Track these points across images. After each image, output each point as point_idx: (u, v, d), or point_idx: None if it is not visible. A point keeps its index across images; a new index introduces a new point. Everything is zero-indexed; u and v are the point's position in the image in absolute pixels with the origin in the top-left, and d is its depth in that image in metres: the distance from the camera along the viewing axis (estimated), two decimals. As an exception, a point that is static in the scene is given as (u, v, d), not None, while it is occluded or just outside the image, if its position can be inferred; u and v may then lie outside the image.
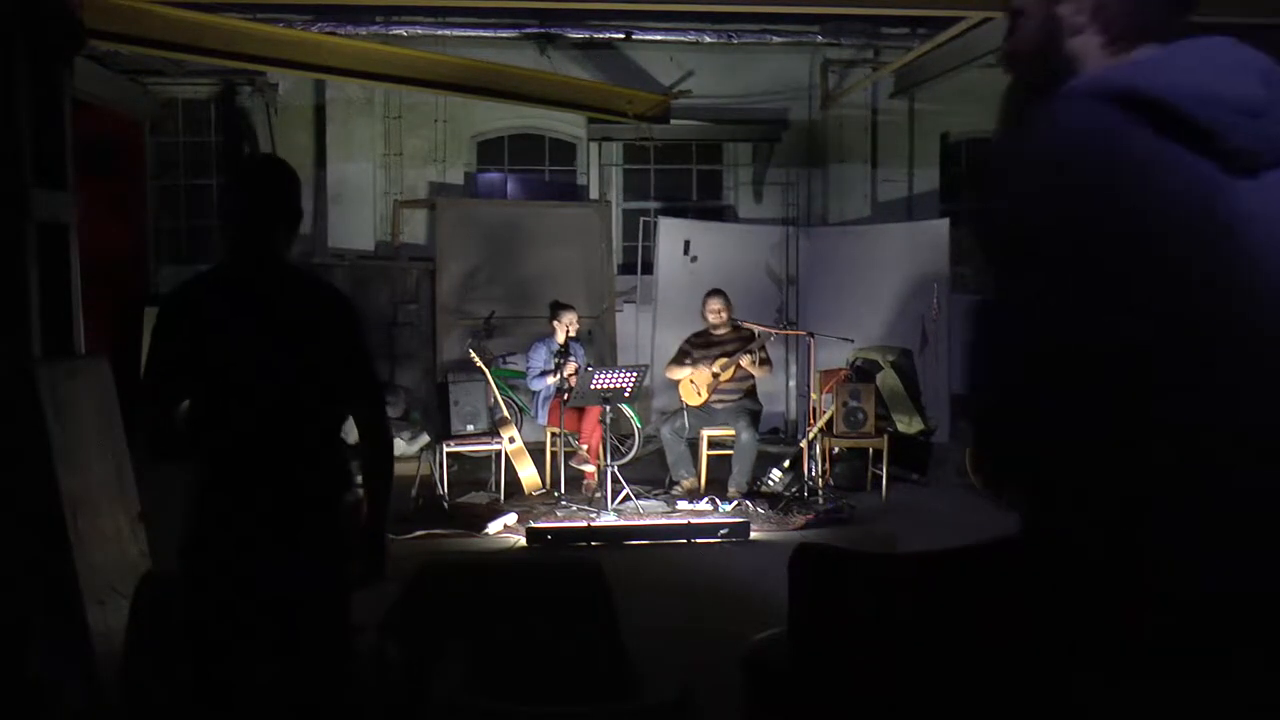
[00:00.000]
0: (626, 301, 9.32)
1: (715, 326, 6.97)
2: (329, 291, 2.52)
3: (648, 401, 8.70)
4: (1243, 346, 1.22)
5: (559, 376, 6.70)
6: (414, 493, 6.55)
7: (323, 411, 2.45)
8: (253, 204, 2.41)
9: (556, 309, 7.12)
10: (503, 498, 6.78)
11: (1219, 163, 1.23)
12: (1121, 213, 1.21)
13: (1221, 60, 1.31)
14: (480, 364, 7.09)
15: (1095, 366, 1.21)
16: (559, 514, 6.32)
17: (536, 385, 7.07)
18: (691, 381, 6.97)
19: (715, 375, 6.88)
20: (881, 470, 6.82)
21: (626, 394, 6.55)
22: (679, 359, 7.05)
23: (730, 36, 9.52)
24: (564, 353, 6.99)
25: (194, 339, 2.32)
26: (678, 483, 6.92)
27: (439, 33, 9.15)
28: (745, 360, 6.79)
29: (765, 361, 6.87)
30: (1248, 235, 1.22)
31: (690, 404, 6.95)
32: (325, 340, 2.41)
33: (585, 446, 6.81)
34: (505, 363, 7.96)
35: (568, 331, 7.00)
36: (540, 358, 7.06)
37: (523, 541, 5.78)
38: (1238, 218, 1.22)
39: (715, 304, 6.95)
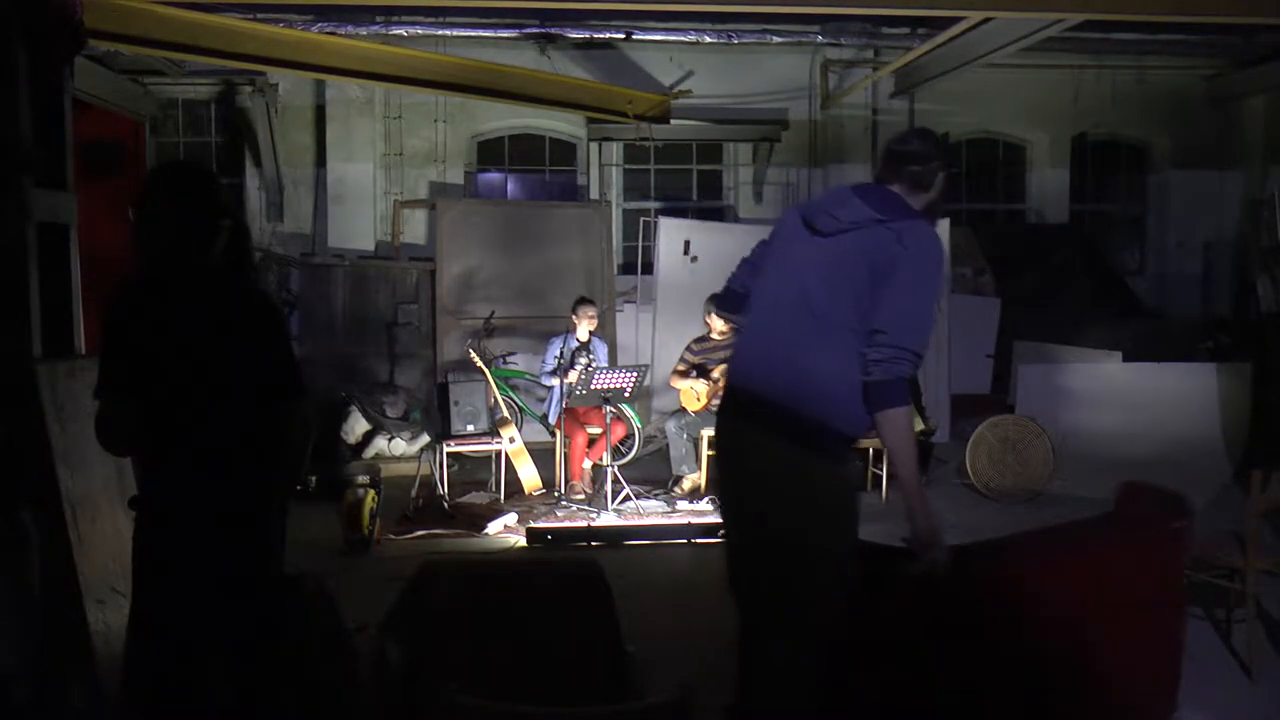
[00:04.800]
0: (626, 301, 9.31)
1: (718, 331, 6.95)
2: (250, 290, 2.69)
3: (648, 401, 8.70)
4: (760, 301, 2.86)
5: (562, 380, 6.67)
6: (414, 493, 6.54)
7: (245, 402, 2.56)
8: (159, 215, 2.53)
9: (575, 304, 7.14)
10: (503, 498, 6.78)
11: (809, 229, 2.75)
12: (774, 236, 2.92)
13: (829, 194, 2.84)
14: (480, 364, 7.09)
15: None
16: (559, 514, 6.32)
17: (547, 382, 7.08)
18: (692, 389, 6.95)
19: (715, 381, 6.86)
20: (881, 470, 6.82)
21: (626, 394, 6.54)
22: (682, 370, 7.00)
23: (730, 36, 9.52)
24: (584, 349, 7.01)
25: (124, 338, 2.50)
26: (681, 478, 6.92)
27: (439, 33, 9.16)
28: None
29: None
30: (806, 256, 2.73)
31: (691, 409, 6.94)
32: (244, 336, 2.57)
33: (577, 483, 6.80)
34: (505, 363, 7.96)
35: (589, 329, 7.01)
36: (551, 354, 7.06)
37: (523, 541, 5.77)
38: (804, 249, 2.75)
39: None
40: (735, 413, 2.79)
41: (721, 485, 2.91)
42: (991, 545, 3.11)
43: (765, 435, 2.64)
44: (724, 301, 3.15)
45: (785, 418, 2.62)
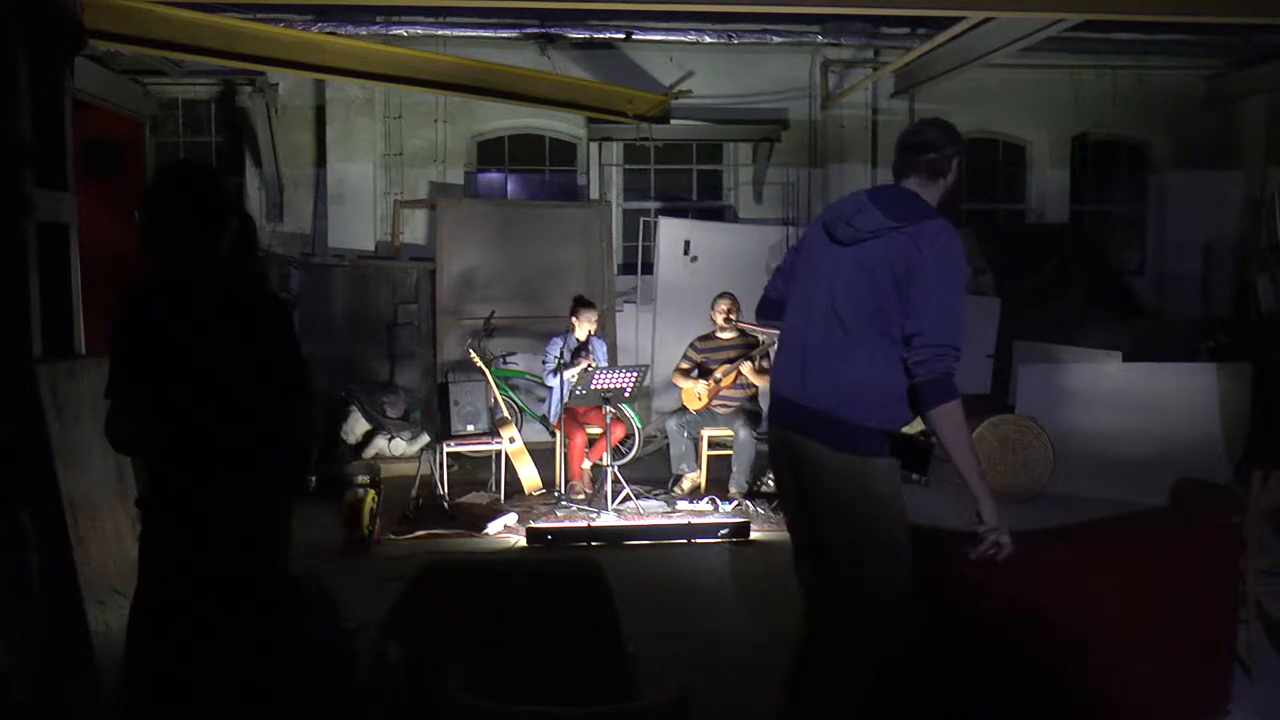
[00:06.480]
0: (626, 301, 9.31)
1: (721, 329, 6.95)
2: (258, 290, 2.70)
3: (648, 401, 8.70)
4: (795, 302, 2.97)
5: (563, 380, 6.66)
6: (414, 493, 6.53)
7: (251, 399, 2.57)
8: (166, 215, 2.54)
9: (576, 306, 7.12)
10: (503, 498, 6.78)
11: (830, 238, 2.87)
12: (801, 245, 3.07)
13: (846, 200, 2.93)
14: (480, 364, 7.08)
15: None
16: (559, 514, 6.31)
17: (550, 381, 7.06)
18: (694, 389, 6.95)
19: (716, 381, 6.86)
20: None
21: (626, 394, 6.54)
22: (685, 369, 7.01)
23: (730, 36, 9.51)
24: (583, 349, 7.02)
25: (133, 338, 2.50)
26: (680, 477, 6.92)
27: (439, 33, 9.15)
28: (747, 367, 6.77)
29: (766, 371, 6.82)
30: (830, 266, 2.85)
31: (692, 409, 6.94)
32: (253, 335, 2.58)
33: (577, 483, 6.80)
34: (505, 363, 7.96)
35: (588, 330, 7.02)
36: (553, 353, 7.05)
37: (523, 541, 5.77)
38: (828, 258, 2.86)
39: (725, 304, 6.93)
40: (783, 425, 2.91)
41: (783, 493, 3.06)
42: (1046, 535, 3.14)
43: (815, 447, 2.77)
44: (764, 309, 3.27)
45: (829, 427, 2.74)
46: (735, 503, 6.52)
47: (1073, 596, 2.94)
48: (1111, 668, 2.96)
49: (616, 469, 6.49)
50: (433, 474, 6.70)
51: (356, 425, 7.88)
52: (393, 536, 5.86)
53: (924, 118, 3.06)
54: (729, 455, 6.84)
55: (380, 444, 7.85)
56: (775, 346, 7.01)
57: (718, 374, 6.87)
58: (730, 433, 6.82)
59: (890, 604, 2.72)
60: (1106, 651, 2.96)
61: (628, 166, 10.40)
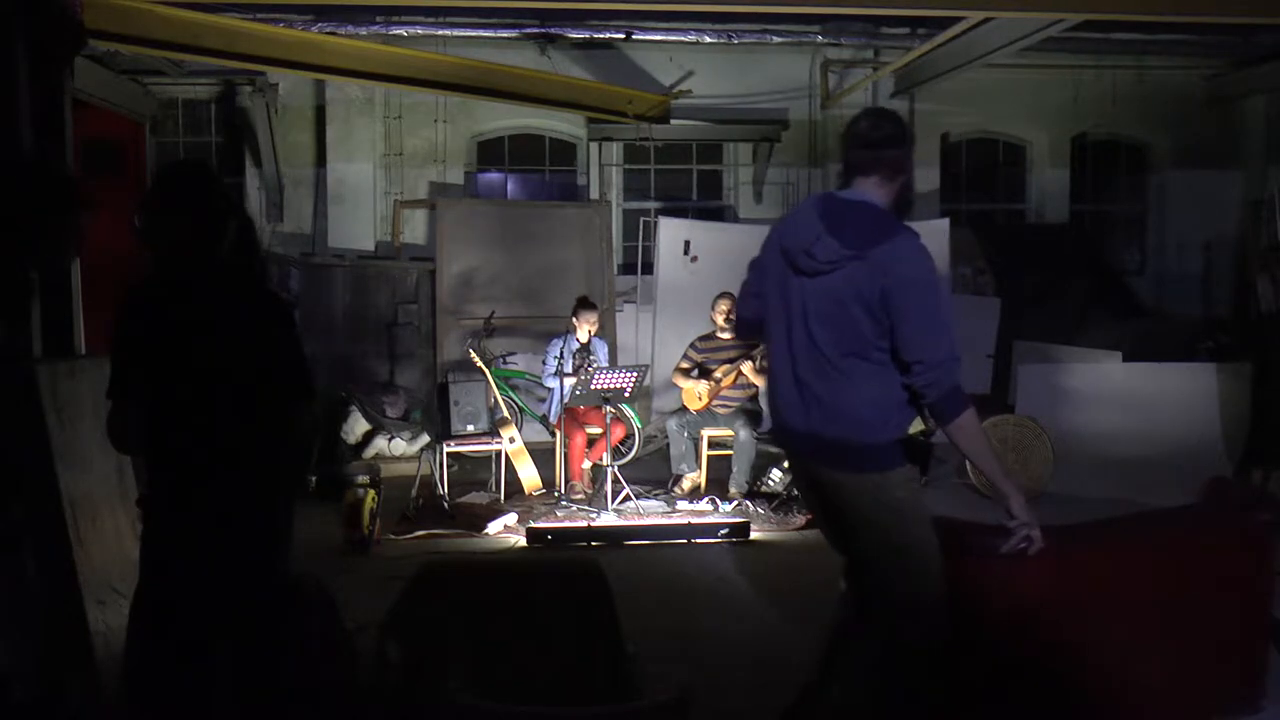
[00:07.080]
0: (626, 301, 9.31)
1: (722, 329, 6.95)
2: (260, 290, 2.71)
3: (648, 401, 8.70)
4: (772, 331, 2.90)
5: (562, 383, 6.65)
6: (414, 493, 6.54)
7: (253, 399, 2.57)
8: (167, 215, 2.56)
9: (577, 307, 7.11)
10: (503, 498, 6.77)
11: (791, 269, 2.76)
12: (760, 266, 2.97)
13: (798, 219, 2.77)
14: (480, 364, 7.08)
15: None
16: (559, 514, 6.31)
17: (550, 383, 7.05)
18: (695, 389, 6.94)
19: (716, 381, 6.86)
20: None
21: (626, 394, 6.54)
22: (686, 369, 7.01)
23: (730, 36, 9.52)
24: (585, 351, 7.02)
25: (134, 338, 2.50)
26: (680, 477, 6.91)
27: (439, 33, 9.16)
28: (747, 367, 6.77)
29: (766, 371, 6.79)
30: (800, 296, 2.75)
31: (692, 408, 6.94)
32: (255, 335, 2.58)
33: (577, 483, 6.80)
34: (505, 363, 7.96)
35: (589, 331, 7.01)
36: (553, 354, 7.04)
37: (523, 541, 5.77)
38: (796, 288, 2.75)
39: (725, 305, 6.92)
40: (796, 452, 2.90)
41: (810, 509, 3.13)
42: (1074, 532, 3.14)
43: (832, 473, 2.76)
44: (742, 330, 3.24)
45: (842, 452, 2.72)
46: (735, 503, 6.52)
47: (1104, 593, 2.94)
48: (1143, 664, 2.96)
49: (616, 469, 6.48)
50: (433, 474, 6.70)
51: (356, 425, 7.88)
52: (393, 536, 5.85)
53: (871, 110, 2.85)
54: (729, 455, 6.84)
55: (380, 444, 7.85)
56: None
57: (718, 374, 6.86)
58: (730, 433, 6.82)
59: (918, 606, 2.71)
60: (1138, 648, 2.96)
61: (628, 166, 10.40)
